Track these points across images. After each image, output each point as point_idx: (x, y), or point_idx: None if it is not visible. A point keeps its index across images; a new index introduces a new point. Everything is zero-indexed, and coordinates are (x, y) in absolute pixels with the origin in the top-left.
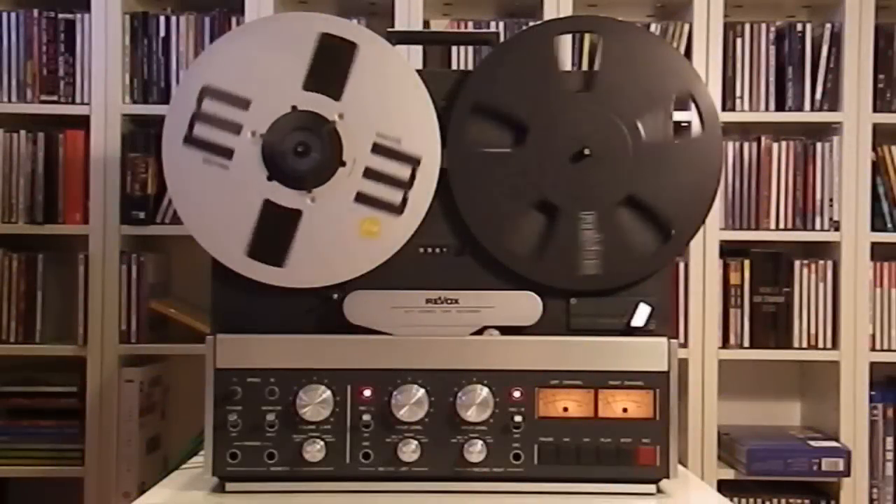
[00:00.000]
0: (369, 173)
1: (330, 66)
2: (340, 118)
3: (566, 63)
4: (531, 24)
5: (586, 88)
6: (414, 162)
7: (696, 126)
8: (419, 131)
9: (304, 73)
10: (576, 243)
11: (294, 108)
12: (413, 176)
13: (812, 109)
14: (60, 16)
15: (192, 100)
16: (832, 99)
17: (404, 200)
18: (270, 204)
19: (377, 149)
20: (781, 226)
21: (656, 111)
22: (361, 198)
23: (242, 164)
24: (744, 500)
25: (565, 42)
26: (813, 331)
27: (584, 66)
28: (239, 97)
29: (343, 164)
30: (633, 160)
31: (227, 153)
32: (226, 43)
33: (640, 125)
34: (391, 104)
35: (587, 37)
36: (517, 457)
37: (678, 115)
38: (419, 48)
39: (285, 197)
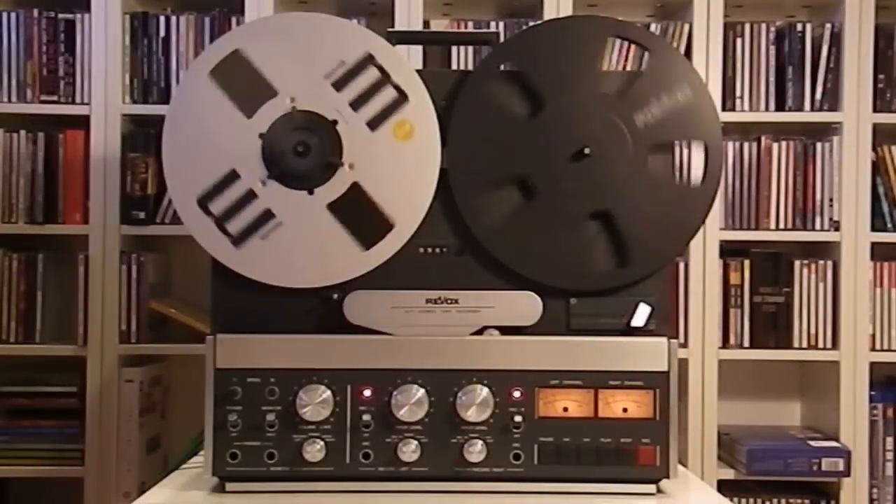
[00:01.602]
0: (356, 104)
1: (245, 83)
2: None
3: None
4: (531, 23)
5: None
6: (368, 60)
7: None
8: (346, 40)
9: (236, 109)
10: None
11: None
12: (381, 69)
13: (812, 109)
14: (60, 16)
15: (200, 215)
16: (832, 99)
17: (397, 88)
18: (335, 203)
19: (338, 84)
20: (781, 226)
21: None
22: (373, 123)
23: (285, 207)
24: (744, 500)
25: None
26: (813, 331)
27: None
28: (225, 176)
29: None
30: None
31: (269, 214)
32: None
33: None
34: (307, 49)
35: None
36: (517, 457)
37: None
38: (419, 48)
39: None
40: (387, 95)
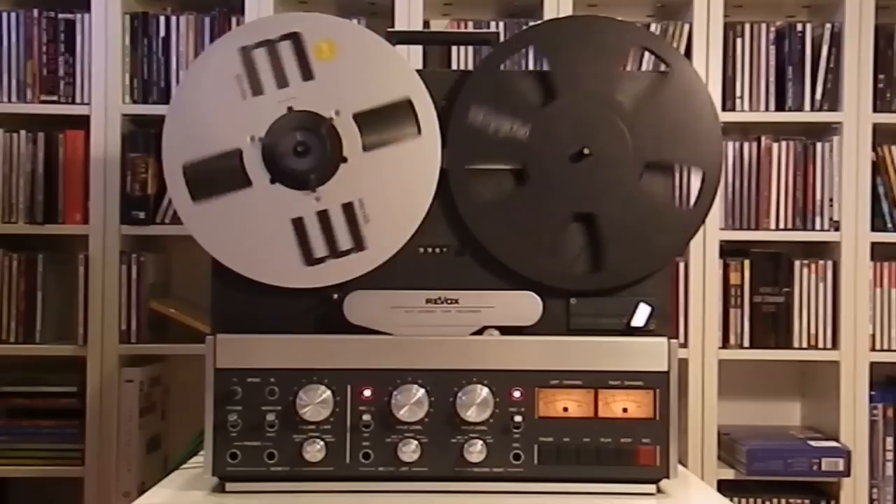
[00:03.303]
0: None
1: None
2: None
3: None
4: (530, 23)
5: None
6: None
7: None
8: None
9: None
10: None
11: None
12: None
13: (812, 109)
14: (60, 16)
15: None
16: (832, 99)
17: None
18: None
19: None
20: (781, 226)
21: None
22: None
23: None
24: (744, 500)
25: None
26: (813, 331)
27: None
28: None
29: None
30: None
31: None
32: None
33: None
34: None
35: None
36: (517, 457)
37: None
38: (419, 48)
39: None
40: None
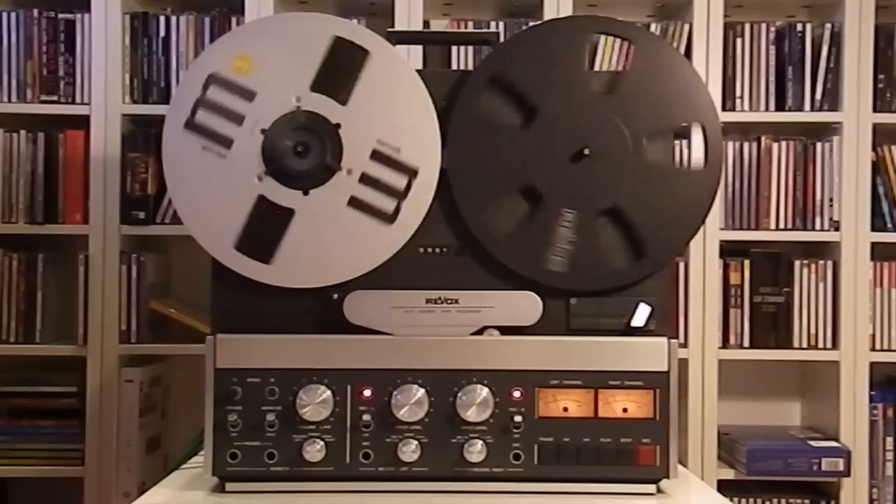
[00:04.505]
0: (365, 179)
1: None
2: (344, 122)
3: (593, 61)
4: (531, 23)
5: (607, 91)
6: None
7: (698, 158)
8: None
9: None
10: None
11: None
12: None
13: (812, 109)
14: (60, 16)
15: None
16: (832, 99)
17: (397, 210)
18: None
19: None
20: (781, 226)
21: (665, 133)
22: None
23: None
24: (744, 500)
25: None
26: (813, 331)
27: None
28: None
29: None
30: (628, 172)
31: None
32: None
33: (644, 141)
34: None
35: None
36: (517, 457)
37: (683, 144)
38: (419, 48)
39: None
40: None
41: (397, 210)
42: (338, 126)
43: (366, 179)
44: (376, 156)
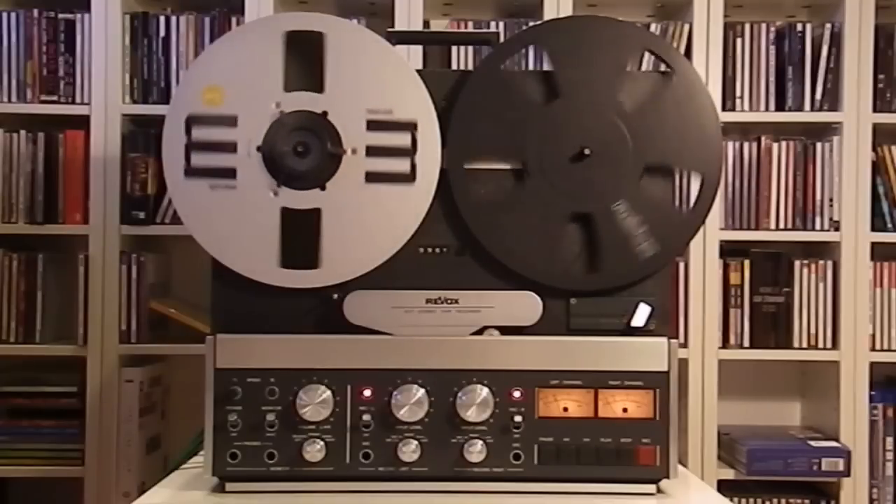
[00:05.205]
0: (372, 151)
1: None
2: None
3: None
4: (530, 23)
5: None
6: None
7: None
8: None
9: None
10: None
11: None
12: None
13: (812, 109)
14: (60, 16)
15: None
16: (832, 99)
17: (413, 167)
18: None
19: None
20: (781, 226)
21: (632, 78)
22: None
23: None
24: (744, 500)
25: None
26: (813, 331)
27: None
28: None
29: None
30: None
31: (231, 173)
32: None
33: (622, 100)
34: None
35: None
36: (517, 457)
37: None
38: (419, 48)
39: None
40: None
41: (413, 166)
42: (325, 114)
43: (372, 151)
44: (372, 125)
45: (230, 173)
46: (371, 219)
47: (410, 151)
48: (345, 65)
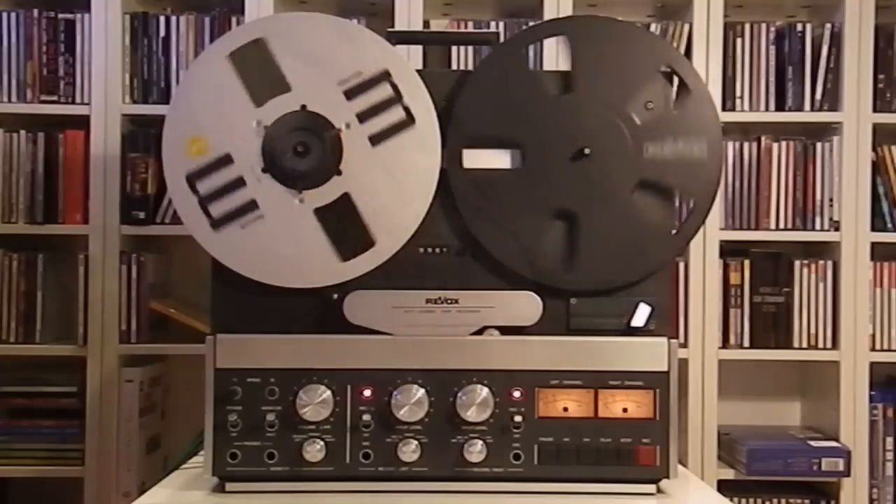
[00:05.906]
0: (363, 116)
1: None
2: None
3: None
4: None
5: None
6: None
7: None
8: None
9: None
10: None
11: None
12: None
13: (812, 109)
14: (60, 16)
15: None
16: (832, 99)
17: (407, 111)
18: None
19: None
20: (781, 226)
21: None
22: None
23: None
24: (744, 500)
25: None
26: (813, 331)
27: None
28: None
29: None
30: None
31: (252, 205)
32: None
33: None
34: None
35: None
36: (517, 457)
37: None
38: (419, 48)
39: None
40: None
41: (407, 111)
42: (304, 107)
43: (364, 116)
44: (350, 94)
45: (252, 206)
46: (398, 174)
47: (396, 98)
48: (296, 56)
